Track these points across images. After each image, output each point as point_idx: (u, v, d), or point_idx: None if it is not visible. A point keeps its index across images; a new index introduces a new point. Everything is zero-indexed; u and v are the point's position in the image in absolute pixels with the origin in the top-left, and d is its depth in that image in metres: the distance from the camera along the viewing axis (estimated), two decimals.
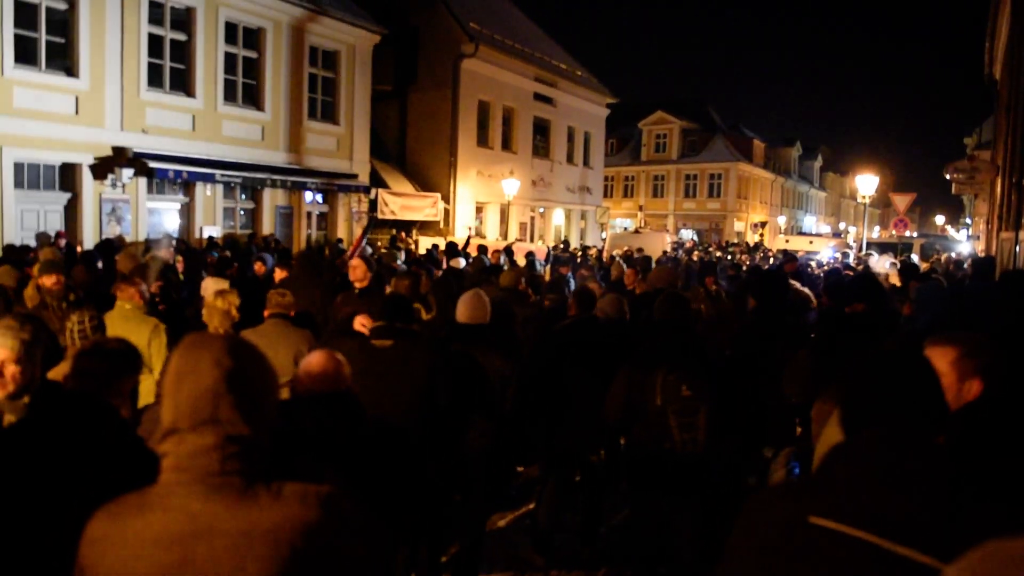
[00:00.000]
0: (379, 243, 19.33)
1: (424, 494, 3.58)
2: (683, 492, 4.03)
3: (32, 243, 11.71)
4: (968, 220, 43.67)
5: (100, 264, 8.47)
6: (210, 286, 5.61)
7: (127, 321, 4.89)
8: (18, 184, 14.10)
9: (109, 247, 10.60)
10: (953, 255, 27.26)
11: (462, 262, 11.66)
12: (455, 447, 4.07)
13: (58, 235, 12.99)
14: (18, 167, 14.06)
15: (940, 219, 69.05)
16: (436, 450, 3.85)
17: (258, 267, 8.98)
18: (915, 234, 44.78)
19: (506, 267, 10.85)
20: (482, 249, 14.93)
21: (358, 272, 6.80)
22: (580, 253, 20.32)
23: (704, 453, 3.93)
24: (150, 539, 1.49)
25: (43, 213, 14.67)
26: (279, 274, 7.55)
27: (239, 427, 1.52)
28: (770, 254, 30.53)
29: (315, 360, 2.68)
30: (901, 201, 23.86)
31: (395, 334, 3.89)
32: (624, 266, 9.31)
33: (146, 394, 4.21)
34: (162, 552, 1.48)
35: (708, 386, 3.95)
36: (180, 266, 9.56)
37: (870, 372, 1.64)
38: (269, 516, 1.49)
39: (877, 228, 58.76)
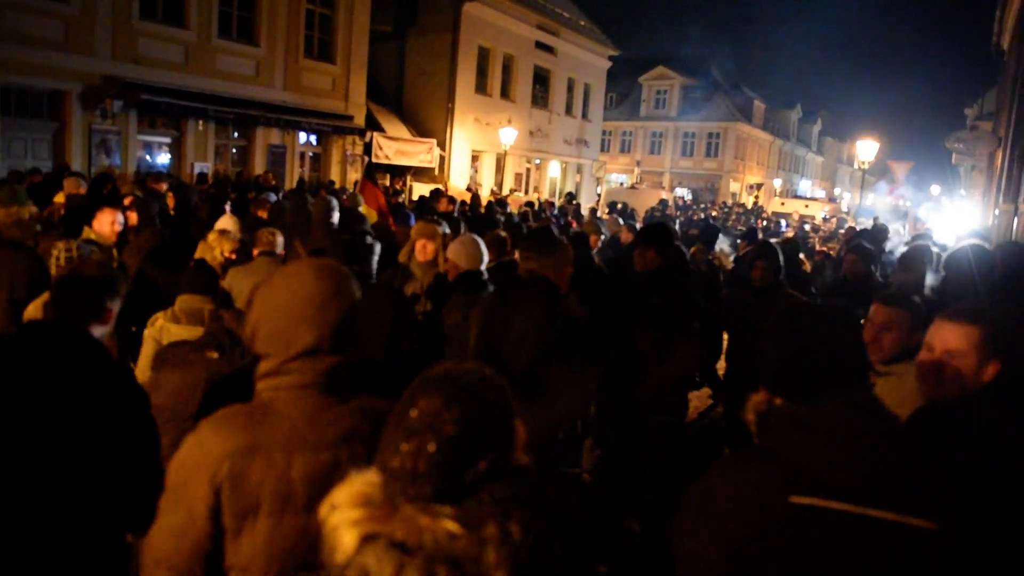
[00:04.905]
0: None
1: None
2: None
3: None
4: (963, 192, 43.57)
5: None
6: (225, 223, 5.68)
7: None
8: (5, 112, 13.78)
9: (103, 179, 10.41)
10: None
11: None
12: None
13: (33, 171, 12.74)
14: (5, 93, 13.73)
15: (936, 189, 68.84)
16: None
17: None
18: (911, 202, 44.67)
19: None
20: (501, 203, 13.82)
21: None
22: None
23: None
24: (308, 444, 1.65)
25: (31, 142, 14.36)
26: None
27: (356, 348, 1.76)
28: (764, 215, 30.47)
29: None
30: (900, 169, 23.78)
31: (357, 277, 3.84)
32: (621, 223, 9.30)
33: None
34: (317, 455, 1.64)
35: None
36: (171, 202, 9.39)
37: (793, 330, 1.62)
38: (364, 423, 1.69)
39: (872, 195, 58.39)
